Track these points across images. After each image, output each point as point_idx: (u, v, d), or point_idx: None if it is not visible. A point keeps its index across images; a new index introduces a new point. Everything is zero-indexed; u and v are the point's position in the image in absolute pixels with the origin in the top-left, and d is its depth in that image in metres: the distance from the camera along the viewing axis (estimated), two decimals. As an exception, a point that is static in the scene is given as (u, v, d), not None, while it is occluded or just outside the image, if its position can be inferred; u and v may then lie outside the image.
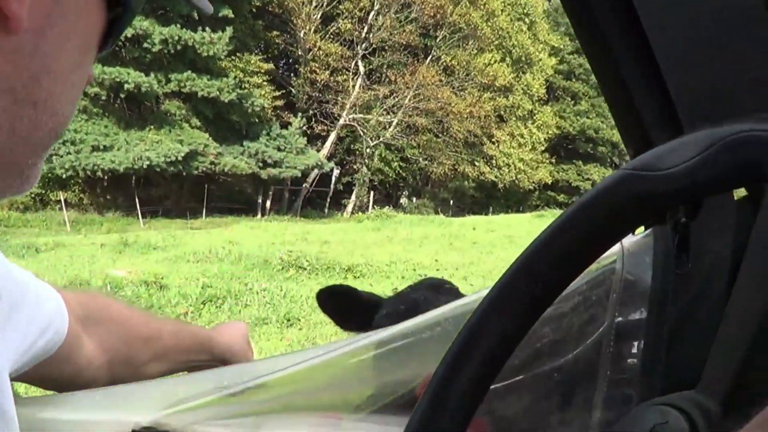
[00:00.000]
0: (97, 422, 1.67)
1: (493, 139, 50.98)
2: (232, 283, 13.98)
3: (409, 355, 1.72)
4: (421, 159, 48.66)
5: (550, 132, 52.25)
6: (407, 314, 3.37)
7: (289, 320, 11.68)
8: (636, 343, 1.62)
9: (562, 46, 54.01)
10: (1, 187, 0.88)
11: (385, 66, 46.77)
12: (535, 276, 1.02)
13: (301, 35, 44.47)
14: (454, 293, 3.67)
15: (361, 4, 45.03)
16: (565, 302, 1.68)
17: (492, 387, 1.50)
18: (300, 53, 44.87)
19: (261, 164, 40.80)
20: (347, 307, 3.60)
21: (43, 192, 36.74)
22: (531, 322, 1.05)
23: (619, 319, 1.63)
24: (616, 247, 1.68)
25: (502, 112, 51.39)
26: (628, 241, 1.67)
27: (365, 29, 45.72)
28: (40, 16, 0.79)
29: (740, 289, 0.86)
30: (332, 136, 45.86)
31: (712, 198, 0.88)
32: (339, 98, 45.86)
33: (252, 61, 41.55)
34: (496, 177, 50.47)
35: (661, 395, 1.56)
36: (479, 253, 21.47)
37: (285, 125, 43.46)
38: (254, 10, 42.23)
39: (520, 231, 26.91)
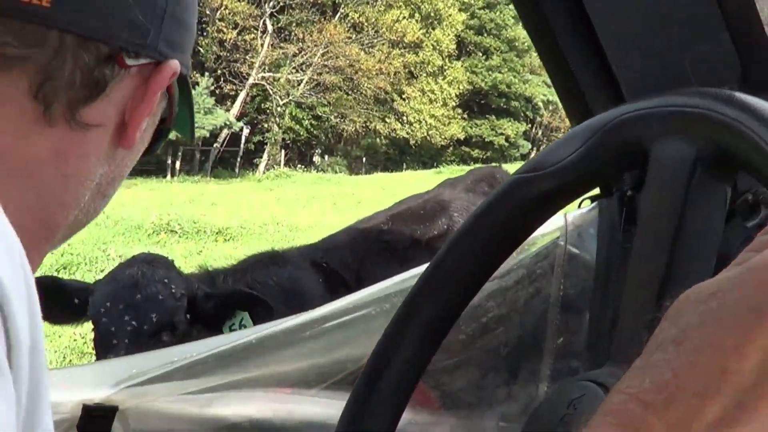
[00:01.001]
0: (52, 403, 1.65)
1: (403, 96, 50.90)
2: (93, 250, 13.75)
3: (357, 330, 1.73)
4: (332, 117, 48.43)
5: (462, 87, 52.27)
6: (126, 291, 3.38)
7: None
8: (581, 315, 1.65)
9: (472, 1, 53.97)
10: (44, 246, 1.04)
11: (293, 24, 46.30)
12: (448, 278, 1.04)
13: (208, -6, 43.87)
14: (168, 266, 3.72)
15: (268, -38, 44.55)
16: (510, 276, 1.70)
17: (440, 362, 1.52)
18: (207, 12, 44.19)
19: (169, 125, 40.20)
20: (52, 298, 3.58)
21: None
22: (455, 316, 1.07)
23: (564, 291, 1.66)
24: (560, 221, 1.70)
25: (412, 69, 51.29)
26: (572, 215, 1.69)
27: (272, -13, 45.26)
28: (138, 138, 1.04)
29: (638, 251, 0.88)
30: (241, 96, 45.35)
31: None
32: (247, 57, 45.33)
33: (158, 21, 40.84)
34: (407, 133, 50.43)
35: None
36: (360, 213, 21.55)
37: (193, 85, 42.64)
38: (158, -31, 41.41)
39: (412, 190, 26.91)
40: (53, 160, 0.95)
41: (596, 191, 1.70)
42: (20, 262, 0.80)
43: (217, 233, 16.58)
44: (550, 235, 1.68)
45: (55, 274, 11.85)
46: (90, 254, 13.12)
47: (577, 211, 1.69)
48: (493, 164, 7.79)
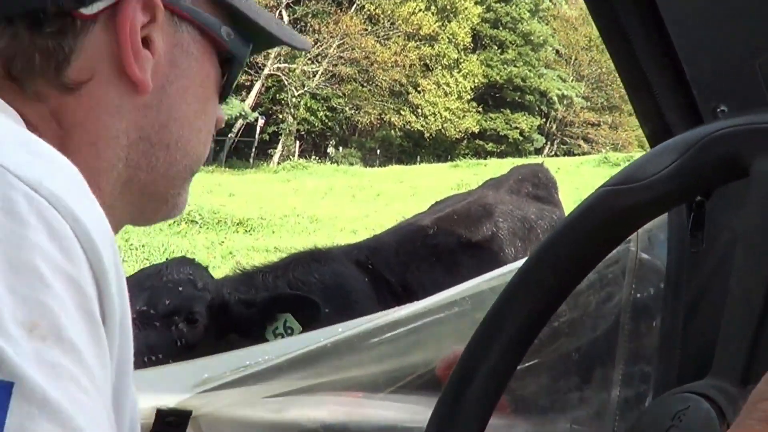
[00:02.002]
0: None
1: (418, 88, 50.86)
2: (116, 239, 13.83)
3: (427, 334, 1.74)
4: (347, 108, 48.46)
5: (477, 81, 52.20)
6: (145, 277, 3.35)
7: None
8: (653, 321, 1.65)
9: (487, -5, 53.94)
10: (152, 212, 1.18)
11: (309, 15, 46.34)
12: (533, 288, 1.05)
13: (224, -16, 43.87)
14: (199, 266, 3.67)
15: (285, -48, 44.57)
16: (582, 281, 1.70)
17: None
18: (223, 2, 44.30)
19: (184, 115, 40.35)
20: None
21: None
22: (540, 326, 1.08)
23: (636, 297, 1.66)
24: (631, 228, 1.71)
25: (428, 61, 51.25)
26: (643, 220, 1.70)
27: (289, -22, 45.28)
28: (160, 77, 1.05)
29: (740, 266, 0.88)
30: (257, 86, 45.39)
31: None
32: (263, 48, 45.43)
33: (174, 12, 40.92)
34: (422, 126, 50.40)
35: (679, 371, 1.60)
36: (378, 205, 21.54)
37: (208, 76, 42.94)
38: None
39: (428, 183, 26.96)
40: (71, 131, 0.98)
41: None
42: (110, 239, 0.86)
43: (237, 224, 16.64)
44: (622, 241, 1.68)
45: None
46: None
47: (647, 217, 1.69)
48: (536, 162, 7.70)
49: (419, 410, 1.64)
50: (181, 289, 3.38)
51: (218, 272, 12.21)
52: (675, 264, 1.64)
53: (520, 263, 1.10)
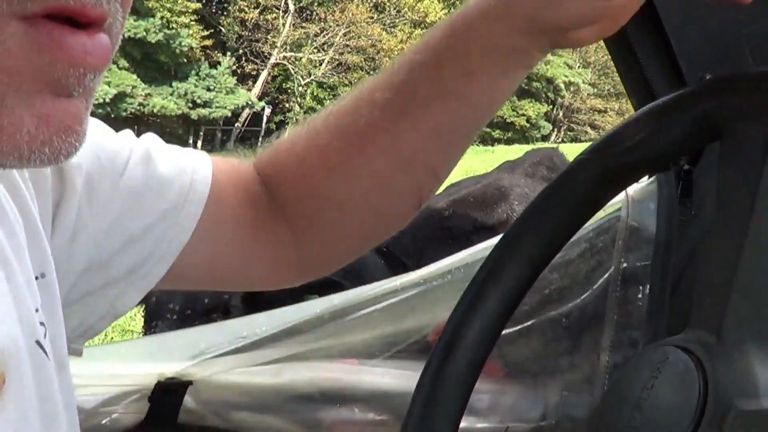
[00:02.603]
0: (123, 374, 1.71)
1: (424, 76, 50.79)
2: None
3: (420, 303, 1.77)
4: (353, 97, 48.39)
5: (483, 67, 52.03)
6: None
7: None
8: (642, 288, 1.68)
9: (493, -19, 53.66)
10: None
11: (315, 3, 46.26)
12: (518, 254, 1.08)
13: (229, -27, 43.93)
14: None
15: (290, -60, 44.52)
16: (572, 249, 1.73)
17: (503, 332, 1.55)
18: (229, -8, 44.31)
19: (191, 104, 40.40)
20: None
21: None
22: (524, 291, 1.11)
23: (625, 264, 1.69)
24: (621, 195, 1.73)
25: (434, 49, 51.14)
26: (633, 188, 1.72)
27: (294, -34, 45.24)
28: None
29: (713, 222, 0.91)
30: (263, 75, 45.42)
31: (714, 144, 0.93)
32: (269, 37, 45.35)
33: (179, 1, 40.83)
34: (428, 114, 50.30)
35: (666, 336, 1.63)
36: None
37: (214, 65, 42.98)
38: (181, -52, 41.50)
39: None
40: None
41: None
42: None
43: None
44: (612, 209, 1.71)
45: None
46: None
47: (637, 185, 1.72)
48: (551, 146, 7.72)
49: (412, 376, 1.67)
50: None
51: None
52: (664, 232, 1.66)
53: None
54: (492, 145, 44.52)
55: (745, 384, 0.79)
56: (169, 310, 3.36)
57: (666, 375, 0.87)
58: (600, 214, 1.74)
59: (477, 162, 28.58)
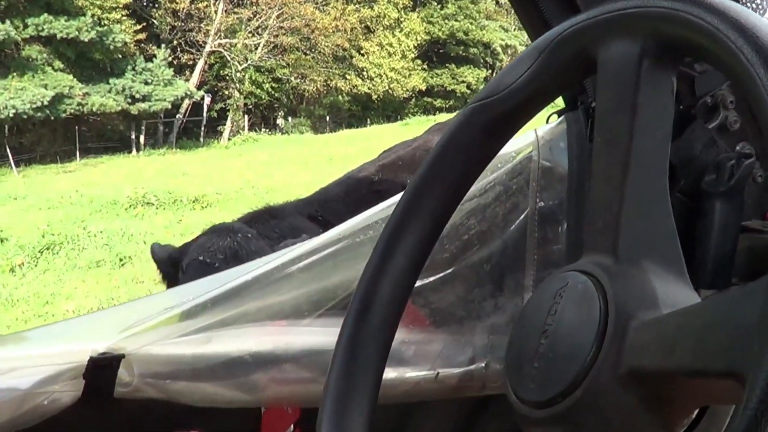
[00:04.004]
0: (56, 354, 1.71)
1: (362, 51, 50.68)
2: (74, 228, 13.82)
3: (344, 258, 1.79)
4: (292, 78, 48.22)
5: (420, 38, 52.02)
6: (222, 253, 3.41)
7: (122, 260, 11.79)
8: (559, 226, 1.71)
9: (422, -49, 53.68)
10: None
11: (246, -13, 46.00)
12: (422, 206, 1.10)
13: (156, -36, 43.52)
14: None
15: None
16: (487, 193, 1.76)
17: (427, 281, 1.59)
18: (157, -18, 43.88)
19: (130, 100, 40.10)
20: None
21: None
22: (434, 238, 1.13)
23: (541, 203, 1.72)
24: (531, 137, 1.76)
25: (369, 23, 51.05)
26: (542, 129, 1.75)
27: (220, -49, 44.86)
28: None
29: (598, 147, 0.94)
30: (200, 65, 45.09)
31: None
32: (203, 25, 45.01)
33: (108, -3, 40.48)
34: (369, 89, 50.26)
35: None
36: (332, 170, 21.57)
37: (150, 58, 42.63)
38: (105, -58, 41.01)
39: (380, 143, 26.89)
40: None
41: (562, 105, 1.76)
42: None
43: (194, 201, 16.61)
44: (523, 151, 1.73)
45: (39, 255, 11.94)
46: (71, 233, 13.16)
47: (546, 125, 1.74)
48: None
49: (341, 332, 1.70)
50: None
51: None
52: (576, 170, 1.68)
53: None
54: (434, 115, 44.50)
55: (643, 297, 0.82)
56: None
57: (567, 299, 0.89)
58: (512, 157, 1.77)
59: (420, 131, 28.48)
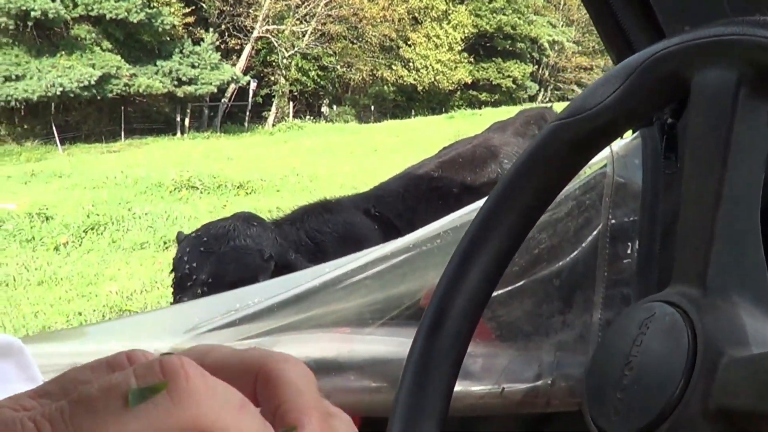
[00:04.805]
0: (117, 351, 1.69)
1: (409, 42, 50.70)
2: (118, 209, 13.85)
3: (411, 268, 1.77)
4: (338, 66, 48.35)
5: (467, 31, 51.97)
6: (213, 242, 3.39)
7: (165, 243, 11.79)
8: (631, 244, 1.68)
9: (474, -56, 53.61)
10: None
11: (295, -26, 46.10)
12: (499, 223, 1.08)
13: (208, -53, 43.72)
14: (264, 226, 3.69)
15: None
16: (560, 208, 1.73)
17: (494, 294, 1.55)
18: (209, -33, 44.07)
19: (176, 82, 40.37)
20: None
21: (-42, 126, 36.02)
22: (519, 242, 1.11)
23: (613, 220, 1.69)
24: (606, 152, 1.73)
25: (417, 14, 51.04)
26: (617, 144, 1.72)
27: (273, -63, 44.99)
28: None
29: (688, 175, 0.91)
30: (247, 50, 45.28)
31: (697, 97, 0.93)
32: (251, 10, 45.19)
33: (159, -21, 40.75)
34: (414, 80, 50.30)
35: (657, 291, 1.63)
36: (377, 160, 21.58)
37: (197, 42, 42.86)
38: (157, -75, 41.27)
39: (425, 135, 26.97)
40: None
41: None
42: None
43: (238, 187, 16.63)
44: (597, 166, 1.71)
45: (83, 235, 12.03)
46: (115, 214, 13.21)
47: (621, 141, 1.72)
48: (543, 105, 7.73)
49: (406, 342, 1.67)
50: (246, 255, 3.41)
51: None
52: (650, 187, 1.66)
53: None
54: (479, 108, 44.45)
55: (733, 332, 0.79)
56: (198, 278, 3.37)
57: (654, 330, 0.87)
58: (586, 171, 1.74)
59: (466, 125, 28.46)
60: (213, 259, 3.46)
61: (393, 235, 4.25)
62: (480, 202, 1.77)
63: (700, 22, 1.40)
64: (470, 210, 1.78)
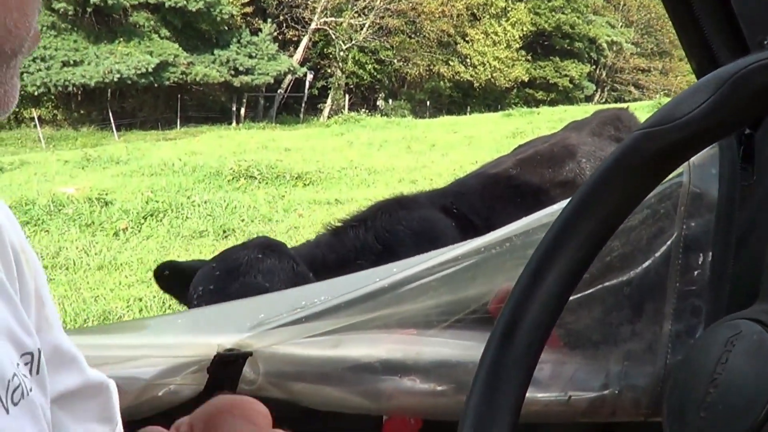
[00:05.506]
0: (182, 345, 1.70)
1: (466, 38, 50.68)
2: (177, 196, 13.93)
3: (479, 271, 1.75)
4: (395, 60, 48.42)
5: (525, 29, 51.84)
6: (227, 277, 3.33)
7: (225, 232, 11.81)
8: (704, 255, 1.65)
9: (534, -58, 53.43)
10: None
11: (354, -32, 46.22)
12: (579, 229, 1.06)
13: (269, -61, 43.94)
14: (280, 252, 3.62)
15: None
16: (634, 216, 1.71)
17: (564, 301, 1.52)
18: (268, -42, 44.29)
19: (233, 72, 40.68)
20: (175, 282, 3.56)
21: (17, 110, 36.44)
22: (592, 256, 1.09)
23: (687, 231, 1.66)
24: (683, 162, 1.71)
25: (475, 11, 50.97)
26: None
27: (333, -70, 45.12)
28: None
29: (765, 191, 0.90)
30: (304, 41, 45.49)
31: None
32: (309, 2, 45.36)
33: (218, -32, 41.03)
34: (471, 76, 50.27)
35: (729, 304, 1.61)
36: (435, 155, 21.51)
37: (255, 32, 43.13)
38: None
39: (482, 132, 26.86)
40: None
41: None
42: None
43: (296, 178, 16.67)
44: (674, 175, 1.68)
45: (142, 221, 12.15)
46: (174, 201, 13.31)
47: (699, 150, 1.69)
48: (619, 106, 7.64)
49: (472, 345, 1.67)
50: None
51: (282, 225, 12.18)
52: (726, 197, 1.63)
53: (566, 202, 1.11)
54: (536, 107, 44.26)
55: None
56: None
57: (740, 348, 0.86)
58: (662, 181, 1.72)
59: (523, 123, 28.39)
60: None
61: (471, 232, 4.20)
62: (550, 208, 1.76)
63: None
64: (540, 216, 1.76)
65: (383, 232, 3.99)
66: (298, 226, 12.06)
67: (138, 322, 1.63)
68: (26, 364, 0.95)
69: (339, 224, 4.13)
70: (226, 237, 11.55)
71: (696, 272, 1.66)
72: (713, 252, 1.64)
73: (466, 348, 1.67)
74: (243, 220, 12.55)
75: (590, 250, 1.08)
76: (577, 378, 1.71)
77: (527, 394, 1.70)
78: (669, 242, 1.68)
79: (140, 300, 8.13)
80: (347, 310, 1.72)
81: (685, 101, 1.01)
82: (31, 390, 0.93)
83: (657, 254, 1.69)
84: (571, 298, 1.70)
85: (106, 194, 13.74)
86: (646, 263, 1.70)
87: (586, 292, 1.70)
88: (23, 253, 1.04)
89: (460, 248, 1.77)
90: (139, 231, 11.92)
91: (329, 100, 45.90)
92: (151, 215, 12.53)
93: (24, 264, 1.03)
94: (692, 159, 1.70)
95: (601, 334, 1.72)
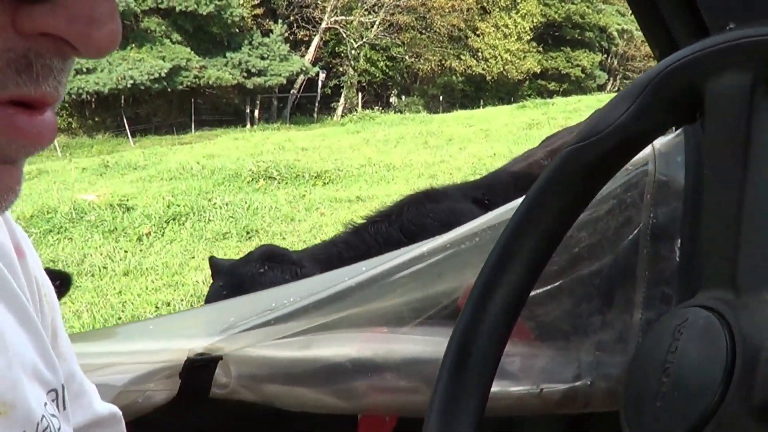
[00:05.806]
0: (153, 351, 1.72)
1: (477, 32, 50.59)
2: (198, 200, 13.93)
3: (449, 267, 1.75)
4: (407, 57, 48.41)
5: (535, 21, 51.71)
6: (232, 295, 3.34)
7: (248, 233, 11.84)
8: (672, 243, 1.65)
9: (541, -68, 53.29)
10: None
11: (363, -34, 46.21)
12: (520, 251, 1.06)
13: (276, -60, 43.98)
14: (282, 260, 3.62)
15: None
16: (600, 206, 1.71)
17: (533, 293, 1.53)
18: (276, -41, 44.33)
19: (246, 74, 40.76)
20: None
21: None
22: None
23: (655, 219, 1.66)
24: (648, 150, 1.70)
25: (485, 4, 50.89)
26: (660, 142, 1.69)
27: (340, -71, 45.13)
28: None
29: (709, 180, 0.89)
30: (315, 41, 45.51)
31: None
32: (319, 2, 45.38)
33: (228, -29, 41.09)
34: (483, 69, 50.19)
35: (694, 291, 1.60)
36: (453, 150, 21.45)
37: (266, 33, 43.20)
38: None
39: (498, 124, 26.77)
40: None
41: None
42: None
43: (315, 177, 16.65)
44: (639, 164, 1.68)
45: (165, 225, 12.20)
46: (195, 205, 13.33)
47: (664, 138, 1.68)
48: None
49: (443, 342, 1.65)
50: None
51: (305, 225, 12.18)
52: (692, 184, 1.63)
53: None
54: (549, 98, 44.15)
55: None
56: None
57: (688, 335, 0.86)
58: (627, 169, 1.71)
59: (538, 115, 28.34)
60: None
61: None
62: (514, 202, 1.76)
63: (746, 19, 1.37)
64: (506, 210, 1.76)
65: (409, 225, 3.98)
66: (321, 225, 12.08)
67: (109, 329, 1.64)
68: (52, 401, 0.95)
69: (360, 221, 4.13)
70: (249, 238, 11.58)
71: (665, 260, 1.66)
72: (682, 239, 1.64)
73: (437, 344, 1.67)
74: (265, 221, 12.56)
75: (534, 268, 1.08)
76: (549, 370, 1.71)
77: (499, 388, 1.70)
78: (637, 231, 1.68)
79: (168, 304, 8.18)
80: (317, 310, 1.73)
81: (608, 113, 1.01)
82: (59, 429, 0.94)
83: (625, 244, 1.69)
84: (540, 290, 1.72)
85: (127, 200, 13.77)
86: (615, 253, 1.70)
87: (556, 284, 1.71)
88: (42, 287, 1.05)
89: (426, 245, 1.77)
90: (162, 235, 11.96)
91: (342, 99, 45.92)
92: (174, 219, 12.56)
93: (43, 296, 1.04)
94: (658, 147, 1.70)
95: (571, 325, 1.72)
